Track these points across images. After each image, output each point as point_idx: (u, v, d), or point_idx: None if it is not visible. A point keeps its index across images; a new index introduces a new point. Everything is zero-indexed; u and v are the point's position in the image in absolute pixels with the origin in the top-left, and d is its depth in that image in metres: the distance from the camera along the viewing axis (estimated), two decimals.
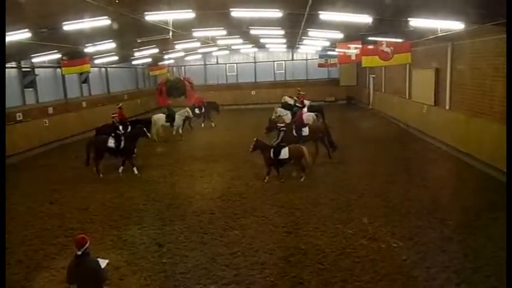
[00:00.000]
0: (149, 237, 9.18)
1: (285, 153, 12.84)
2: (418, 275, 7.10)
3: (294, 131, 15.66)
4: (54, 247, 8.85)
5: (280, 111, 21.23)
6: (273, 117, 20.16)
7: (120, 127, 15.90)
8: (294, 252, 8.17)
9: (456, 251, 7.91)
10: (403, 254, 7.87)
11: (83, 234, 5.47)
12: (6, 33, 12.15)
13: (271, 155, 12.92)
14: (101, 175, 14.40)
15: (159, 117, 21.70)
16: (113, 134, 14.79)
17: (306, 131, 15.90)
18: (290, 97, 26.01)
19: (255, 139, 13.32)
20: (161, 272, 7.62)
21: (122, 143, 14.58)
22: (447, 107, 17.00)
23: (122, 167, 14.64)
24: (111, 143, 14.48)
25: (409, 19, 12.09)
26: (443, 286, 6.72)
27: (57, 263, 7.97)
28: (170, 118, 21.91)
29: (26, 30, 12.36)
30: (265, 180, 12.93)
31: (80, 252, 5.19)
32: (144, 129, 15.75)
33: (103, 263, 5.63)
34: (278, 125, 14.47)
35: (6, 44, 12.70)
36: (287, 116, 20.38)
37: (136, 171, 14.50)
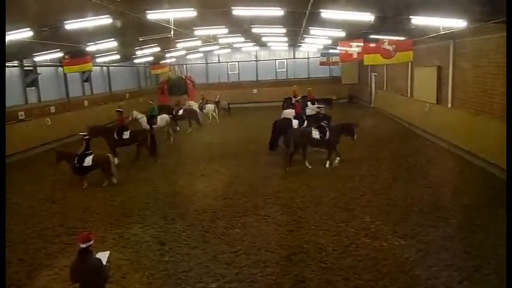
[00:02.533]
0: (151, 235, 9.19)
1: (88, 161, 12.82)
2: (420, 273, 7.09)
3: (115, 135, 16.26)
4: (56, 246, 8.87)
5: (136, 114, 20.73)
6: (130, 119, 20.26)
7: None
8: (295, 250, 8.16)
9: (458, 249, 7.89)
10: (405, 253, 7.85)
11: (87, 232, 5.48)
12: (8, 32, 12.18)
13: (76, 163, 12.85)
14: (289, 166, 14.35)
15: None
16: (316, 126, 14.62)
17: (126, 134, 16.38)
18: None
19: (56, 151, 13.35)
20: (163, 270, 7.63)
21: (327, 134, 14.25)
22: (449, 105, 16.98)
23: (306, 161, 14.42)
24: (315, 134, 14.31)
25: (411, 17, 12.07)
26: (445, 284, 6.71)
27: (59, 261, 7.98)
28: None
29: (28, 29, 12.39)
30: None
31: (84, 246, 5.22)
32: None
33: (105, 255, 5.66)
34: (81, 133, 13.87)
35: (8, 42, 12.72)
36: (143, 119, 20.40)
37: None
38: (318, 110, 17.42)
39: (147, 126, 19.94)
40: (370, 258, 7.70)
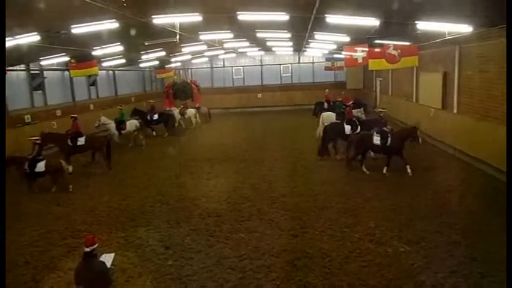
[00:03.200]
0: (155, 239, 9.20)
1: (41, 166, 12.78)
2: (425, 279, 7.04)
3: (69, 141, 15.96)
4: (61, 248, 8.90)
5: (104, 119, 20.14)
6: (96, 125, 19.85)
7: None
8: (300, 255, 8.14)
9: (464, 255, 7.84)
10: (410, 259, 7.81)
11: (92, 235, 5.51)
12: (15, 37, 12.29)
13: (27, 168, 12.79)
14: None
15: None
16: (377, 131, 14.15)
17: (82, 140, 16.07)
18: None
19: (7, 156, 12.90)
20: (167, 274, 7.63)
21: (389, 140, 13.82)
22: (455, 111, 16.88)
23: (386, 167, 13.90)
24: (376, 140, 13.98)
25: (416, 22, 12.05)
26: None
27: (64, 264, 8.03)
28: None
29: (35, 33, 12.48)
30: None
31: (88, 250, 5.27)
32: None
33: (110, 257, 5.69)
34: (30, 138, 13.65)
35: (15, 46, 12.84)
36: (111, 124, 20.09)
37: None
38: (359, 114, 17.36)
39: (116, 132, 19.78)
40: (374, 264, 7.66)
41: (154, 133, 23.74)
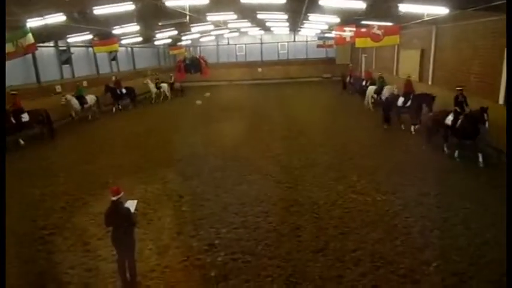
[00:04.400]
0: (171, 190, 9.38)
1: None
2: (398, 223, 7.26)
3: (12, 119, 13.69)
4: (92, 197, 9.07)
5: (70, 97, 18.18)
6: (63, 102, 17.76)
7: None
8: (293, 203, 8.33)
9: (431, 203, 8.03)
10: (386, 206, 8.00)
11: (118, 186, 5.64)
12: (44, 17, 12.07)
13: None
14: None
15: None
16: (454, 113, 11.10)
17: (25, 117, 14.18)
18: None
19: None
20: (181, 218, 7.84)
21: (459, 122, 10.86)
22: (430, 83, 16.83)
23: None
24: (448, 120, 11.24)
25: (398, 4, 11.82)
26: (419, 232, 6.86)
27: (94, 209, 8.19)
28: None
29: (61, 13, 12.28)
30: None
31: (114, 198, 5.40)
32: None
33: (133, 203, 5.85)
34: None
35: (43, 26, 12.62)
36: (73, 100, 18.17)
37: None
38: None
39: (79, 107, 18.50)
40: (356, 210, 7.87)
41: (120, 107, 22.15)
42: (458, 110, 11.06)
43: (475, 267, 5.76)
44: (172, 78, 28.53)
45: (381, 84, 18.86)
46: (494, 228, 6.75)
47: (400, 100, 14.90)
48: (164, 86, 26.27)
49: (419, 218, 7.38)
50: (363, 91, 21.23)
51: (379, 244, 6.50)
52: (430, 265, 5.84)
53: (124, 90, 22.52)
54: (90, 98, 19.37)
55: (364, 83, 22.34)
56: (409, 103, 14.47)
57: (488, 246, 6.27)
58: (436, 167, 10.29)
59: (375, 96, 19.23)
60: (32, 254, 6.64)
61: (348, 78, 26.14)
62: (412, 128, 14.08)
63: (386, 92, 17.56)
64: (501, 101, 11.46)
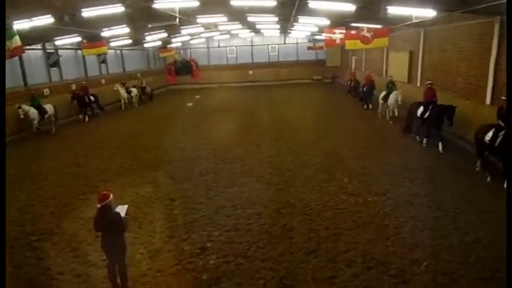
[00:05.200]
0: (162, 193, 9.32)
1: None
2: (388, 223, 7.30)
3: None
4: (81, 202, 8.96)
5: (28, 108, 16.25)
6: (22, 116, 15.79)
7: None
8: (285, 205, 8.33)
9: (421, 203, 8.09)
10: (377, 207, 8.04)
11: (106, 190, 5.55)
12: (31, 19, 11.90)
13: None
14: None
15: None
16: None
17: None
18: None
19: None
20: (173, 221, 7.79)
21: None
22: (418, 84, 17.01)
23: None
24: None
25: (387, 7, 11.94)
26: (409, 232, 6.91)
27: (84, 214, 8.07)
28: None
29: (49, 16, 12.14)
30: None
31: (99, 206, 5.26)
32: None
33: (123, 208, 5.75)
34: None
35: (31, 28, 12.44)
36: (32, 110, 16.31)
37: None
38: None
39: (38, 117, 16.58)
40: (347, 211, 7.89)
41: (87, 118, 20.35)
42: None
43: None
44: (143, 82, 28.17)
45: (390, 90, 16.76)
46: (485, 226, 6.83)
47: (419, 110, 12.95)
48: (134, 90, 25.77)
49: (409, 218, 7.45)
50: (364, 96, 20.38)
51: (371, 245, 6.53)
52: (420, 264, 5.89)
53: (92, 98, 21.01)
54: (49, 107, 17.51)
55: (362, 88, 21.20)
56: (427, 114, 12.48)
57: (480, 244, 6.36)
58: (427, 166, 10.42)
59: (381, 102, 17.41)
60: (20, 260, 6.53)
61: (349, 83, 25.04)
62: (440, 146, 11.84)
63: (391, 99, 16.07)
64: (488, 101, 11.63)
